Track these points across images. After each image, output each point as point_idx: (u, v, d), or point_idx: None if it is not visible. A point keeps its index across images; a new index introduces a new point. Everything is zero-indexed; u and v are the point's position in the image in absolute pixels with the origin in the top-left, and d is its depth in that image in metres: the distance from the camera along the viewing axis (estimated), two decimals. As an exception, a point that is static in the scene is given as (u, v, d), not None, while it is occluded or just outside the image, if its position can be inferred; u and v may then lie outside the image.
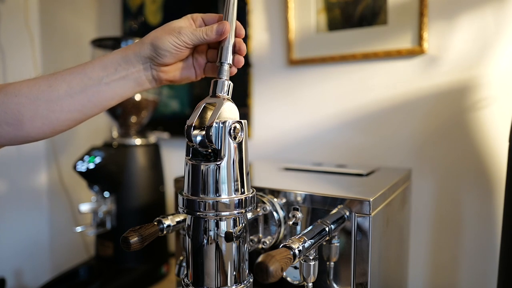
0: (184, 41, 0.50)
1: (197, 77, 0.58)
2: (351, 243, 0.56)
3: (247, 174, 0.48)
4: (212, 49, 0.57)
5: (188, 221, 0.48)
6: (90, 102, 0.51)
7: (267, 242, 0.60)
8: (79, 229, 1.06)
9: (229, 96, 0.50)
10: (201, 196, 0.46)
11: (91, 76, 0.50)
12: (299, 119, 1.07)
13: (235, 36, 0.52)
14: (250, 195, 0.48)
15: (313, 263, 0.52)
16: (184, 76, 0.57)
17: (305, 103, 1.06)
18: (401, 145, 0.94)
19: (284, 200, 0.61)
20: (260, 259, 0.39)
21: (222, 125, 0.46)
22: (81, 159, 1.04)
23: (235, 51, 0.53)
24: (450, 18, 0.86)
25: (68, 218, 1.52)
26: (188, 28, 0.51)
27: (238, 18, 0.53)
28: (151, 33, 0.51)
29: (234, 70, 0.54)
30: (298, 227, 0.60)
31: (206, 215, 0.46)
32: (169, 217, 0.57)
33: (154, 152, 1.13)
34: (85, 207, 1.03)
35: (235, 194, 0.47)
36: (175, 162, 1.29)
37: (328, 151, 1.03)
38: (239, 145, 0.47)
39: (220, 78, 0.50)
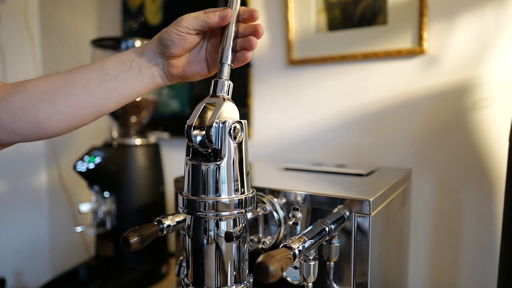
0: (185, 26, 0.50)
1: (210, 72, 0.57)
2: (351, 243, 0.56)
3: (247, 174, 0.48)
4: None
5: (188, 221, 0.48)
6: (107, 97, 0.51)
7: (267, 242, 0.60)
8: (79, 229, 1.06)
9: (229, 96, 0.50)
10: (201, 196, 0.46)
11: (108, 71, 0.51)
12: (299, 119, 1.07)
13: (250, 20, 0.52)
14: (250, 195, 0.48)
15: (313, 263, 0.52)
16: (195, 70, 0.56)
17: (305, 103, 1.06)
18: (401, 145, 0.94)
19: (284, 200, 0.61)
20: (260, 259, 0.39)
21: (222, 125, 0.45)
22: (81, 159, 1.04)
23: (252, 34, 0.52)
24: (450, 18, 0.86)
25: (68, 218, 1.52)
26: (190, 15, 0.51)
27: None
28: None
29: (249, 55, 0.53)
30: (298, 227, 0.60)
31: (206, 215, 0.46)
32: (169, 217, 0.57)
33: (154, 152, 1.13)
34: (85, 207, 1.03)
35: (235, 194, 0.47)
36: (175, 162, 1.29)
37: (328, 151, 1.03)
38: (239, 145, 0.47)
39: (220, 78, 0.50)
